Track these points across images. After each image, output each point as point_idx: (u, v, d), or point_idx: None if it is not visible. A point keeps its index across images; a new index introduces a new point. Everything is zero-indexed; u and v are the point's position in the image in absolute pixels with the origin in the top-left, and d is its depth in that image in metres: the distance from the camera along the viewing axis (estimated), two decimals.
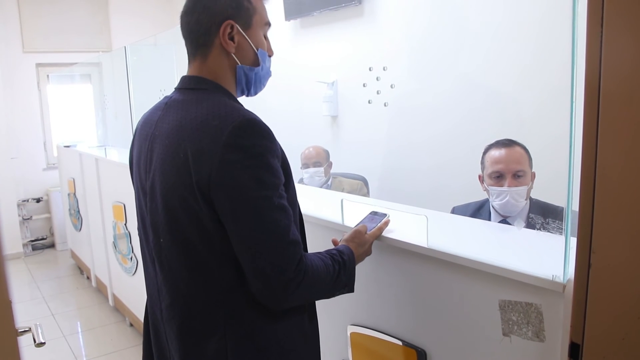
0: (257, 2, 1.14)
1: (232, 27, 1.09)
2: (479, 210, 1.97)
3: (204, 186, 0.98)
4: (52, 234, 5.69)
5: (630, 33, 0.81)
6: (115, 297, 3.84)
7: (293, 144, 3.00)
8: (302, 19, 3.63)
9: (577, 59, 0.96)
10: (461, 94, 2.71)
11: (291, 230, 1.01)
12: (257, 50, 1.14)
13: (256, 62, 1.15)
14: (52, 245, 5.70)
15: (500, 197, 1.81)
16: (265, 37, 1.18)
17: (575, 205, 0.92)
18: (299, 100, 3.62)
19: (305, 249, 1.17)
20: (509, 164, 1.82)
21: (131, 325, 3.58)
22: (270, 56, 1.19)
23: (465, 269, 1.20)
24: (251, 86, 1.16)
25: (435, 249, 1.25)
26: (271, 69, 1.22)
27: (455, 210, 2.06)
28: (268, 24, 1.18)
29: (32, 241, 5.57)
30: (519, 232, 1.57)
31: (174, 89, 1.17)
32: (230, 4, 1.09)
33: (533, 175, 1.85)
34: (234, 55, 1.11)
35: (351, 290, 1.15)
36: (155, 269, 1.15)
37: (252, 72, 1.14)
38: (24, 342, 1.34)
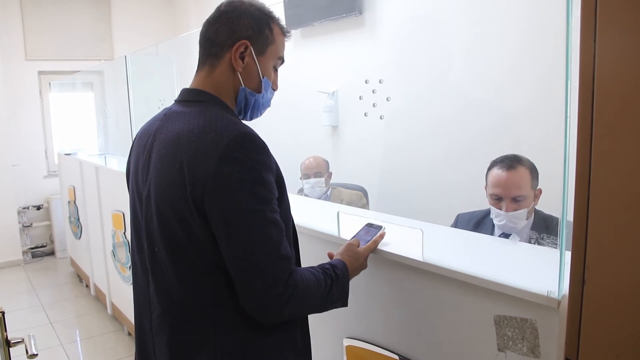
0: (278, 36, 1.17)
1: (245, 48, 1.11)
2: (484, 219, 1.95)
3: (198, 197, 0.99)
4: (52, 242, 5.69)
5: (623, 43, 0.81)
6: (113, 306, 3.83)
7: (293, 153, 3.01)
8: (302, 29, 3.65)
9: (571, 74, 0.97)
10: (458, 107, 2.71)
11: (282, 244, 1.01)
12: (263, 78, 1.15)
13: (259, 89, 1.16)
14: (51, 253, 5.69)
15: (498, 218, 1.80)
16: (275, 71, 1.21)
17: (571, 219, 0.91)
18: (299, 110, 3.62)
19: (299, 263, 1.17)
20: (507, 189, 1.77)
21: (129, 334, 3.56)
22: (274, 89, 1.21)
23: (460, 283, 1.19)
24: (249, 110, 1.18)
25: (431, 262, 1.25)
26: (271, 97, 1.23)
27: (459, 217, 2.04)
28: (281, 59, 1.21)
29: (32, 248, 5.57)
30: (515, 247, 1.56)
31: (173, 101, 1.18)
32: (253, 26, 1.12)
33: (539, 192, 1.81)
34: (239, 75, 1.13)
35: (345, 304, 1.15)
36: (148, 278, 1.15)
37: (253, 97, 1.16)
38: (19, 351, 1.35)
